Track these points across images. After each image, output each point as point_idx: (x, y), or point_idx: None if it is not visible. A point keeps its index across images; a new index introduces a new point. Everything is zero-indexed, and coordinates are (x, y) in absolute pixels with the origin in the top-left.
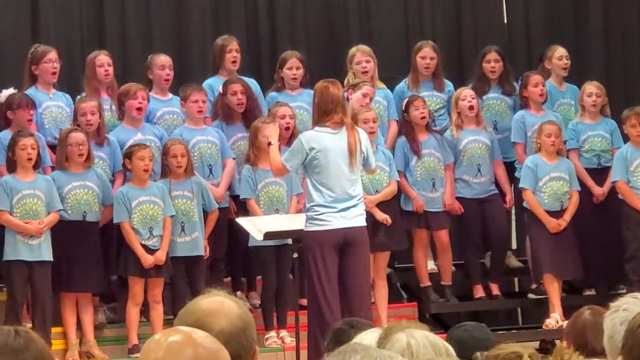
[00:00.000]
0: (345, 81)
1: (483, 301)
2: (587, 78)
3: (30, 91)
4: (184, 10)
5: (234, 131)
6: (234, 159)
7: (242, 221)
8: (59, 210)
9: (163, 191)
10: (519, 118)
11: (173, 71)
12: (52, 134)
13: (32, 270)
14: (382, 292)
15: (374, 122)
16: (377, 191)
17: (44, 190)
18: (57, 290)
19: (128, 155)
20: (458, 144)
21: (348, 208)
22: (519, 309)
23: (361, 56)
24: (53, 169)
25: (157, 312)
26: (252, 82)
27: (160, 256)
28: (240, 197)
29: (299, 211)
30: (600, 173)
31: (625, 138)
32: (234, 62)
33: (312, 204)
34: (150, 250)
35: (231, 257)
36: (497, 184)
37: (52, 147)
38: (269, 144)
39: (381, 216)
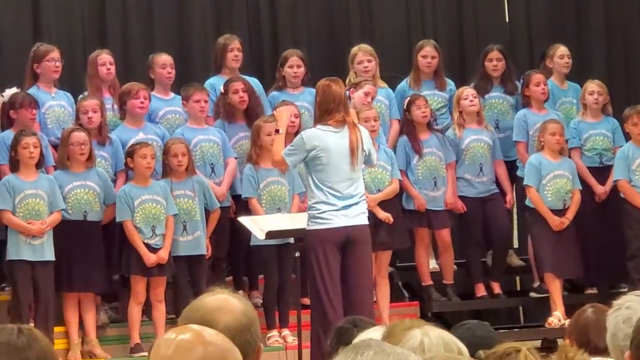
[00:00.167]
0: (347, 80)
1: (485, 300)
2: (589, 76)
3: (32, 91)
4: (185, 10)
5: (236, 130)
6: (235, 158)
7: (244, 220)
8: (62, 209)
9: (165, 190)
10: (521, 117)
11: (175, 70)
12: (55, 133)
13: (35, 270)
14: (384, 291)
15: (375, 120)
16: (379, 190)
17: (47, 189)
18: (59, 289)
19: (130, 153)
20: (460, 143)
21: (350, 206)
22: (520, 308)
23: (363, 55)
24: (56, 168)
25: (160, 311)
26: (254, 81)
27: (163, 255)
28: (242, 197)
29: (301, 210)
30: (602, 172)
31: (627, 137)
32: (235, 60)
33: (314, 202)
34: (153, 249)
35: (233, 256)
36: (497, 183)
37: (56, 147)
38: (277, 131)
39: (383, 215)
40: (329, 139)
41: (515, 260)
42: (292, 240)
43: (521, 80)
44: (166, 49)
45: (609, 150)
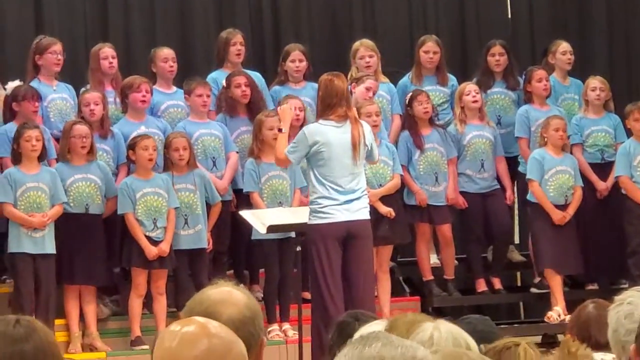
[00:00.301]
0: (349, 75)
1: (485, 295)
2: (591, 73)
3: (34, 84)
4: (187, 4)
5: (238, 124)
6: (237, 152)
7: (246, 214)
8: (63, 202)
9: (167, 183)
10: (523, 113)
11: (177, 64)
12: (58, 126)
13: (36, 262)
14: (385, 286)
15: (377, 115)
16: (380, 185)
17: (48, 182)
18: (60, 282)
19: (132, 146)
20: (462, 139)
21: (351, 201)
22: (521, 303)
23: (364, 51)
24: (57, 161)
25: (161, 304)
26: (257, 76)
27: (164, 247)
28: (244, 191)
29: (302, 204)
30: (603, 168)
31: (629, 133)
32: (238, 55)
33: (316, 196)
34: (154, 242)
35: (234, 250)
36: (498, 179)
37: (58, 140)
38: (280, 130)
39: (384, 209)
40: (330, 134)
41: (515, 256)
42: (293, 234)
43: (523, 76)
44: (168, 43)
45: (610, 146)
